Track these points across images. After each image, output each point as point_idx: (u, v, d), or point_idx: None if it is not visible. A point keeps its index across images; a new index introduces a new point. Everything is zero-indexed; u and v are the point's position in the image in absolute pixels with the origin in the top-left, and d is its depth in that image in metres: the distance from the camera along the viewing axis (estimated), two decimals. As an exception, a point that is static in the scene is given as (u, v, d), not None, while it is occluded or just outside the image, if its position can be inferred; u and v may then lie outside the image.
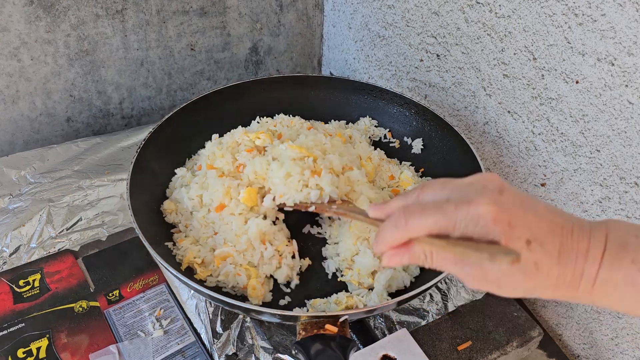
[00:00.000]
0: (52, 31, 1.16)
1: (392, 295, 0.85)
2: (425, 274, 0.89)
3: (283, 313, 0.73)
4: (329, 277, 0.91)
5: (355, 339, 0.84)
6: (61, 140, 1.27)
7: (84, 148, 1.20)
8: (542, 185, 0.98)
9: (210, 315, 0.89)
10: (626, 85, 0.77)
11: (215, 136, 1.02)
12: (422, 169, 1.06)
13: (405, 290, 0.86)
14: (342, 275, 0.90)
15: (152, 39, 1.28)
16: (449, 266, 0.52)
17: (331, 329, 0.70)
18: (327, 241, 0.96)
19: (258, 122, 1.06)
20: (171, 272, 0.77)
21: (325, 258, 0.94)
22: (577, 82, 0.84)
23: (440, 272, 0.79)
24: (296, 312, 0.80)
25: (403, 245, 0.53)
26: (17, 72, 1.18)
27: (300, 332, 0.72)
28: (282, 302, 0.85)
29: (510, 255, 0.45)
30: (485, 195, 0.48)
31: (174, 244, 0.90)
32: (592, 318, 0.96)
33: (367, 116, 1.14)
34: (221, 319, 0.89)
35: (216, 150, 0.97)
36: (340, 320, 0.72)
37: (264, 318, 0.82)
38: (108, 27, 1.21)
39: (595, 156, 0.86)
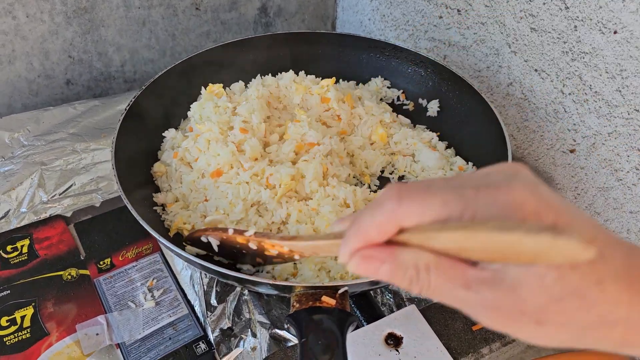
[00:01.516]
0: (47, -14, 1.09)
1: None
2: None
3: (276, 283, 0.65)
4: None
5: (358, 315, 0.77)
6: (61, 104, 1.22)
7: (82, 111, 1.14)
8: (572, 151, 0.89)
9: (205, 287, 0.83)
10: (673, 33, 0.67)
11: (203, 91, 0.95)
12: (438, 133, 0.97)
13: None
14: None
15: (154, -3, 1.20)
16: (457, 290, 0.34)
17: (328, 301, 0.63)
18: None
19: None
20: (158, 239, 0.70)
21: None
22: (615, 33, 0.74)
23: None
24: (290, 281, 0.72)
25: (385, 246, 0.36)
26: (12, 30, 1.12)
27: (294, 304, 0.64)
28: None
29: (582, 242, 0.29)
30: (520, 181, 0.33)
31: (164, 209, 0.84)
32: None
33: (379, 76, 1.04)
34: (216, 290, 0.83)
35: (205, 113, 0.90)
36: (340, 292, 0.64)
37: (256, 288, 0.75)
38: (107, -18, 1.14)
39: (633, 117, 0.76)
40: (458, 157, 0.91)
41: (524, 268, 0.32)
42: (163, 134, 0.92)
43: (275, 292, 0.76)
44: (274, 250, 0.62)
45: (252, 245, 0.66)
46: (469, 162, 0.90)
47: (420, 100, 1.03)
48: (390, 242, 0.36)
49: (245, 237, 0.66)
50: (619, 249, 0.34)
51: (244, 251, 0.69)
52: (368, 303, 0.80)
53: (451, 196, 0.34)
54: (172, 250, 0.71)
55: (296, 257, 0.60)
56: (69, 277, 0.87)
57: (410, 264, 0.35)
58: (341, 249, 0.37)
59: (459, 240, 0.33)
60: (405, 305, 0.83)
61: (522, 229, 0.30)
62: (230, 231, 0.68)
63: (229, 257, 0.76)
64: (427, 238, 0.34)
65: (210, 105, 0.90)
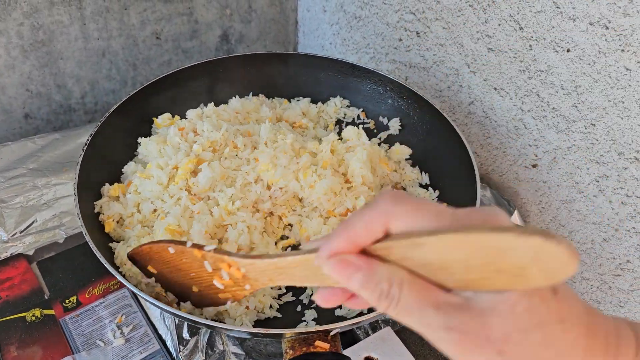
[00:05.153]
0: (2, 20, 1.07)
1: None
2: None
3: (267, 331, 0.64)
4: None
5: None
6: (20, 139, 1.18)
7: (41, 145, 1.11)
8: (534, 166, 0.91)
9: (176, 321, 0.81)
10: (622, 50, 0.70)
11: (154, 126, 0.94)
12: (401, 153, 0.99)
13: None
14: None
15: (114, 28, 1.19)
16: (425, 311, 0.34)
17: (322, 345, 0.63)
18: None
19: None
20: (135, 291, 0.68)
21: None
22: (568, 51, 0.77)
23: None
24: (281, 329, 0.70)
25: (364, 256, 0.36)
26: (-34, 66, 1.09)
27: (288, 350, 0.64)
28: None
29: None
30: (503, 214, 0.35)
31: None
32: (592, 308, 0.89)
33: (338, 96, 1.05)
34: (188, 324, 0.81)
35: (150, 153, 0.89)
36: (331, 334, 0.64)
37: (241, 335, 0.73)
38: (64, 14, 1.13)
39: (590, 131, 0.79)
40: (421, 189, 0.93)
41: (497, 295, 0.33)
42: (123, 170, 0.90)
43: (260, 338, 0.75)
44: (226, 275, 0.56)
45: (207, 266, 0.59)
46: (436, 190, 0.92)
47: (380, 119, 1.04)
48: (368, 255, 0.36)
49: (202, 253, 0.59)
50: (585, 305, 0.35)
51: (190, 276, 0.63)
52: (344, 328, 0.79)
53: (444, 210, 0.34)
54: (146, 300, 0.69)
55: (247, 287, 0.55)
56: (33, 318, 0.84)
57: (385, 276, 0.35)
58: (322, 247, 0.37)
59: (448, 246, 0.32)
60: (380, 327, 0.83)
61: (516, 230, 0.30)
62: (189, 244, 0.61)
63: (166, 285, 0.71)
64: (412, 245, 0.34)
65: (154, 146, 0.89)
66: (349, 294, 0.43)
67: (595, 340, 0.34)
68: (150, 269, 0.70)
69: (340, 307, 0.77)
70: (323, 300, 0.44)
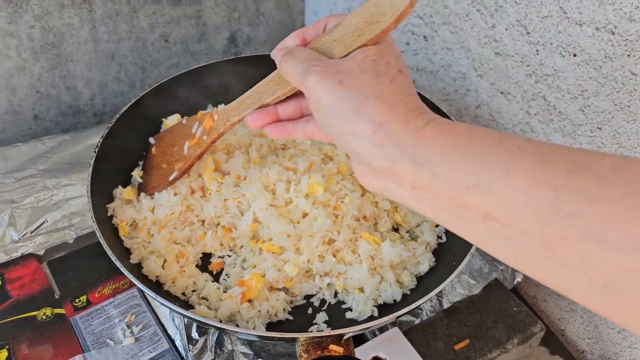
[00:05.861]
0: (14, 22, 1.08)
1: (379, 307, 0.77)
2: (422, 286, 0.81)
3: (281, 335, 0.65)
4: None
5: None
6: (29, 140, 1.20)
7: (51, 146, 1.12)
8: (540, 169, 0.92)
9: (186, 320, 0.82)
10: (628, 55, 0.71)
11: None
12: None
13: (395, 303, 0.78)
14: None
15: (123, 30, 1.21)
16: (307, 60, 0.53)
17: (336, 349, 0.64)
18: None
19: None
20: (139, 286, 0.69)
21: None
22: (574, 55, 0.78)
23: (446, 276, 0.71)
24: (294, 332, 0.70)
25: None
26: (-23, 68, 1.10)
27: (302, 354, 0.65)
28: None
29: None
30: None
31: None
32: (598, 311, 0.89)
33: None
34: (197, 324, 0.82)
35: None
36: (345, 338, 0.65)
37: (253, 339, 0.74)
38: (75, 17, 1.14)
39: (596, 135, 0.80)
40: None
41: (362, 49, 0.51)
42: (132, 173, 0.91)
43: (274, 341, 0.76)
44: (199, 132, 0.80)
45: (195, 127, 0.83)
46: None
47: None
48: None
49: (201, 113, 0.84)
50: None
51: (171, 151, 0.86)
52: (352, 328, 0.80)
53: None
54: (156, 300, 0.70)
55: (204, 137, 0.78)
56: (44, 317, 0.85)
57: (297, 49, 0.58)
58: (280, 44, 0.63)
59: (355, 14, 0.54)
60: (389, 328, 0.84)
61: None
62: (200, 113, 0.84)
63: (148, 168, 0.91)
64: (335, 24, 0.57)
65: None
66: (273, 119, 0.66)
67: (409, 99, 0.48)
68: (154, 150, 0.91)
69: (350, 310, 0.78)
70: (252, 120, 0.66)
